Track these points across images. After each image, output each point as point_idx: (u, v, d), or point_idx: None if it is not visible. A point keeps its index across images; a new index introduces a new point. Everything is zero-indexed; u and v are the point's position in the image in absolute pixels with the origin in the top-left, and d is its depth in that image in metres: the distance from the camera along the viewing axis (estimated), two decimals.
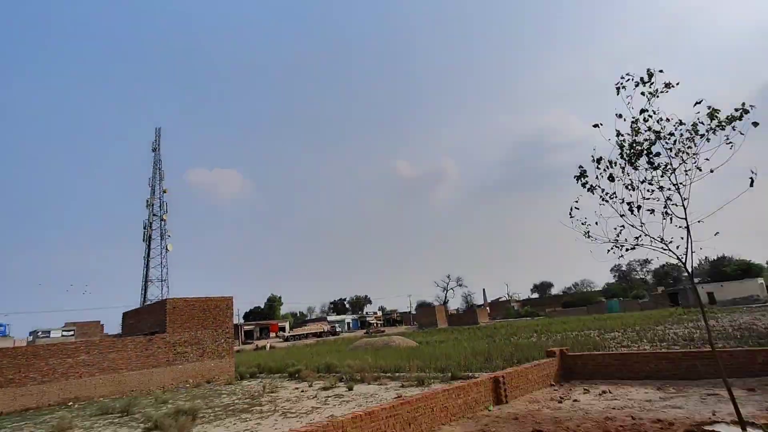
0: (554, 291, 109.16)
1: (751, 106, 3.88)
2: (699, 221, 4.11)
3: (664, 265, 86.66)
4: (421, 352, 24.85)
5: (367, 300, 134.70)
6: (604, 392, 10.79)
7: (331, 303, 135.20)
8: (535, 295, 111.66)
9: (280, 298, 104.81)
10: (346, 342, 47.47)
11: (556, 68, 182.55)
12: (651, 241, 4.42)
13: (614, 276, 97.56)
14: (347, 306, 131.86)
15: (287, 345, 55.29)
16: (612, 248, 4.61)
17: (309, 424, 7.62)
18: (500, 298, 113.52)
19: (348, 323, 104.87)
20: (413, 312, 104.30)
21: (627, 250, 4.55)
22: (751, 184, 3.84)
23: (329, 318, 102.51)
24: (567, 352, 13.45)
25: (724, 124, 4.06)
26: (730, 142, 3.98)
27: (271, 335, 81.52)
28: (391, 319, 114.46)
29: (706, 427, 3.67)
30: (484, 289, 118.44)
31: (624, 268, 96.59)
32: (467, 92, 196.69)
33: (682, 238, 4.24)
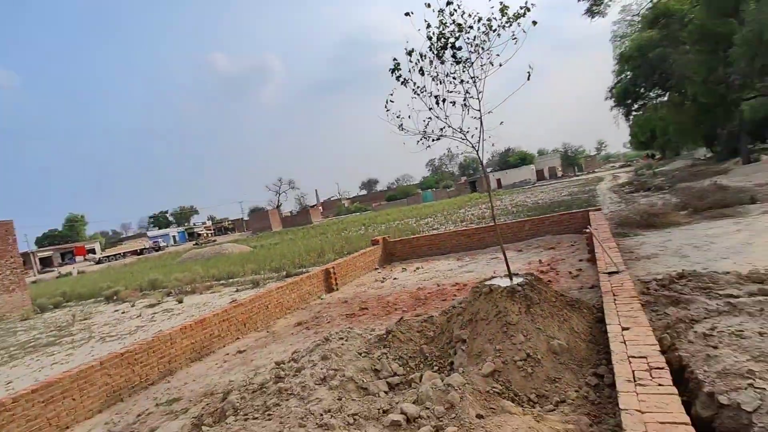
0: (380, 187, 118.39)
1: (532, 4, 4.40)
2: (489, 112, 4.70)
3: (466, 157, 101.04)
4: (255, 256, 24.85)
5: (193, 211, 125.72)
6: (418, 268, 12.59)
7: (150, 217, 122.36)
8: (363, 192, 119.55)
9: (83, 217, 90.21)
10: (173, 256, 44.36)
11: None
12: (453, 132, 4.92)
13: (429, 170, 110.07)
14: (171, 219, 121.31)
15: (100, 268, 49.02)
16: (421, 140, 5.01)
17: (133, 343, 7.09)
18: (332, 197, 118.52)
19: (174, 237, 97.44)
20: (246, 219, 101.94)
21: (433, 140, 5.01)
22: (528, 78, 4.52)
23: (150, 233, 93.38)
24: (388, 239, 15.03)
25: (511, 20, 4.53)
26: (515, 38, 4.51)
27: (77, 259, 71.00)
28: (222, 227, 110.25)
29: (486, 282, 4.50)
30: (316, 190, 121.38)
31: (436, 162, 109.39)
32: None
33: (477, 129, 4.82)
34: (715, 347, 4.44)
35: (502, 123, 4.83)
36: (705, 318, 5.13)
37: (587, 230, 7.25)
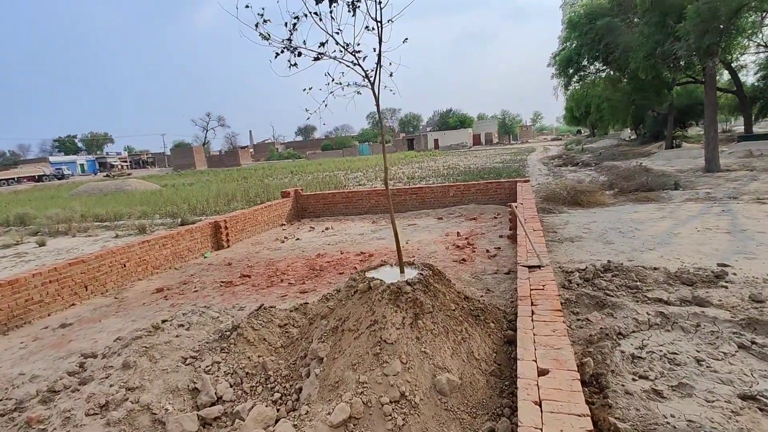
0: (317, 135, 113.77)
1: None
2: (390, 21, 3.14)
3: (407, 114, 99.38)
4: (158, 197, 22.02)
5: (107, 138, 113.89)
6: (327, 228, 11.13)
7: (55, 140, 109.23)
8: (300, 138, 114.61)
9: None
10: (71, 187, 39.26)
11: None
12: (341, 52, 3.32)
13: (368, 123, 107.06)
14: (81, 146, 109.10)
15: None
16: (282, 51, 3.36)
17: None
18: (266, 140, 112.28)
19: (82, 165, 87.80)
20: (168, 154, 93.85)
21: (298, 55, 3.38)
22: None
23: (52, 159, 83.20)
24: (301, 192, 13.34)
25: None
26: None
27: None
28: (140, 160, 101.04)
29: (370, 271, 3.10)
30: (250, 131, 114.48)
31: (377, 115, 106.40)
32: None
33: (375, 50, 3.26)
34: (646, 378, 3.46)
35: (406, 40, 3.32)
36: (633, 332, 4.17)
37: (511, 207, 6.11)
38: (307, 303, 4.68)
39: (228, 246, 9.89)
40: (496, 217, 10.67)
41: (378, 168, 32.33)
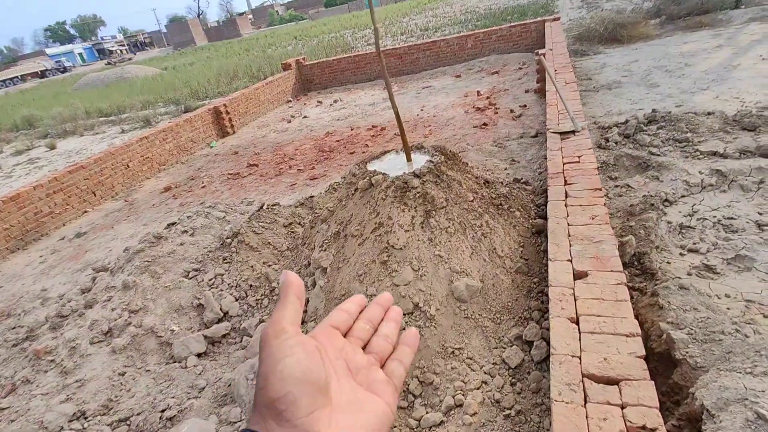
0: None
1: None
2: None
3: None
4: (160, 82, 20.92)
5: (99, 21, 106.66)
6: (335, 101, 10.27)
7: (46, 30, 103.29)
8: None
9: None
10: (77, 79, 37.95)
11: None
12: None
13: None
14: (72, 32, 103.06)
15: None
16: None
17: None
18: (264, 2, 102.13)
19: (81, 55, 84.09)
20: (164, 31, 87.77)
21: None
22: None
23: (49, 51, 79.67)
24: (304, 62, 12.11)
25: None
26: None
27: None
28: (138, 42, 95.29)
29: (373, 160, 2.62)
30: None
31: None
32: None
33: None
34: (696, 252, 3.03)
35: None
36: (683, 197, 3.64)
37: (538, 56, 5.16)
38: (312, 196, 4.29)
39: (234, 132, 9.34)
40: (521, 68, 9.45)
41: (389, 22, 29.14)
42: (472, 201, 2.70)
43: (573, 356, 1.63)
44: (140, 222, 5.78)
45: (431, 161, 2.79)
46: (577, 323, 1.78)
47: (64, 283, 4.57)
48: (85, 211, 6.53)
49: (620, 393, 1.48)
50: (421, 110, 7.99)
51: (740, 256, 2.94)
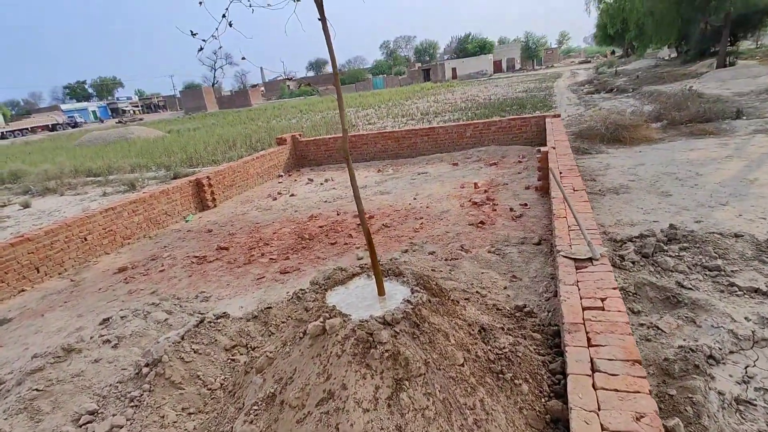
0: (329, 69, 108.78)
1: None
2: None
3: (422, 42, 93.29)
4: (159, 145, 20.88)
5: (117, 83, 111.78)
6: (326, 180, 9.82)
7: (66, 87, 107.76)
8: (312, 73, 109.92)
9: None
10: (79, 136, 38.46)
11: None
12: None
13: (383, 53, 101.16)
14: (91, 91, 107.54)
15: None
16: None
17: None
18: (278, 77, 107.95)
19: (94, 112, 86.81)
20: (178, 96, 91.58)
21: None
22: None
23: (64, 107, 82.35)
24: (299, 137, 11.88)
25: None
26: None
27: None
28: (152, 104, 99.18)
29: (328, 300, 1.81)
30: (261, 68, 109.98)
31: (391, 45, 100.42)
32: None
33: None
34: None
35: None
36: (731, 352, 2.88)
37: (551, 170, 4.66)
38: (270, 307, 3.51)
39: (214, 206, 8.75)
40: (520, 161, 9.12)
41: (392, 104, 30.11)
42: (462, 365, 1.95)
43: None
44: (76, 311, 4.92)
45: (409, 301, 2.07)
46: None
47: None
48: (23, 290, 5.69)
49: None
50: (414, 199, 7.46)
51: None
